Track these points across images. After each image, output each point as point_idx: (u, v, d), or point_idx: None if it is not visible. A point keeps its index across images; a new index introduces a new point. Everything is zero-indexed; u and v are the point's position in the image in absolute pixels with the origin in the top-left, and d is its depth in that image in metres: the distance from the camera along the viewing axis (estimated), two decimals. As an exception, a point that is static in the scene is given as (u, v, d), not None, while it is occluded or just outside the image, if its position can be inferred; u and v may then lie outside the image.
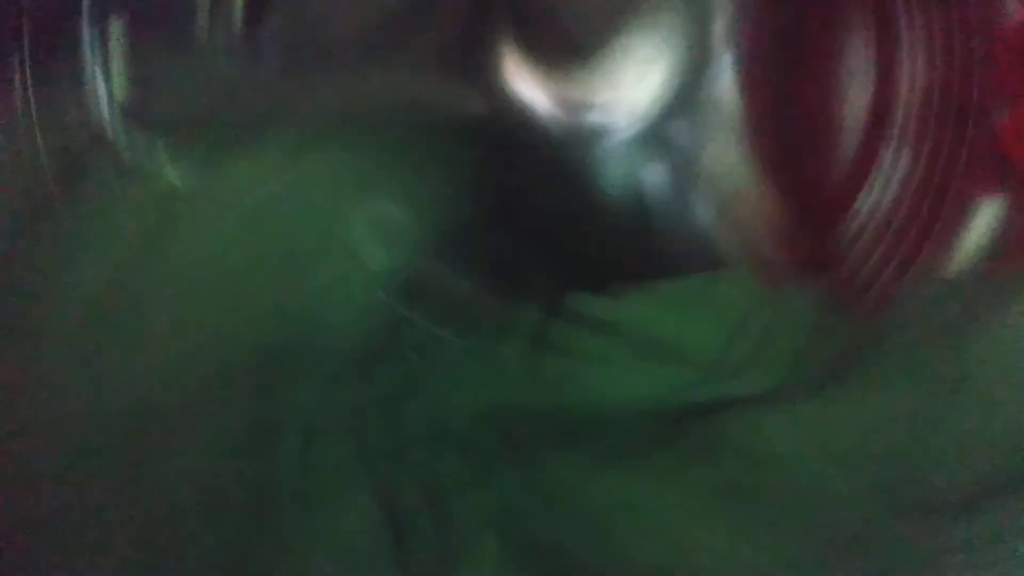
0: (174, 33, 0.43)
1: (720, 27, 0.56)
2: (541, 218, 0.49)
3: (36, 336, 0.28)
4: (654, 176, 0.50)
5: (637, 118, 0.51)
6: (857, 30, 0.45)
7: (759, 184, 0.47)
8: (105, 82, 0.38)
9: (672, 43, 0.56)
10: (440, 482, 0.28)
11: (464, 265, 0.42)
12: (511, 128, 0.57)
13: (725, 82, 0.56)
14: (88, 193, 0.33)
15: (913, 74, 0.42)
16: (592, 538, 0.28)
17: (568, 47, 0.56)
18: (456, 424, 0.31)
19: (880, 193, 0.43)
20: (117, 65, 0.39)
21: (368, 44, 0.53)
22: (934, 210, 0.39)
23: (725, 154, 0.48)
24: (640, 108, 0.56)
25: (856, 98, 0.46)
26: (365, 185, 0.39)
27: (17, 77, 0.36)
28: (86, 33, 0.39)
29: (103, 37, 0.39)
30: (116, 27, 0.39)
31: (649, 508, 0.28)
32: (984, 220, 0.36)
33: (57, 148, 0.35)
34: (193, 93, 0.41)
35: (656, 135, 0.50)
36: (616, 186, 0.50)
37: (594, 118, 0.50)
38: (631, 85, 0.57)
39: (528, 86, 0.57)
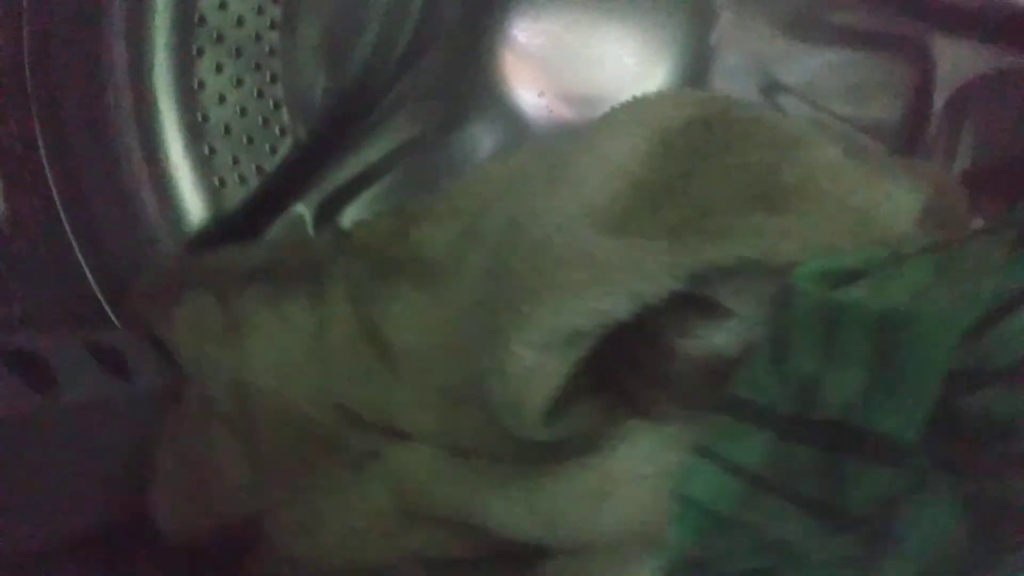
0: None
1: (723, 27, 0.57)
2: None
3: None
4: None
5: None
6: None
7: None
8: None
9: (675, 43, 0.57)
10: None
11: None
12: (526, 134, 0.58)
13: (727, 82, 0.57)
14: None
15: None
16: None
17: (568, 47, 0.57)
18: None
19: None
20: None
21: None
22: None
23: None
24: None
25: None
26: None
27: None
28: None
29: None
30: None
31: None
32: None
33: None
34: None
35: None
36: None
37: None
38: (642, 78, 0.57)
39: (537, 91, 0.58)
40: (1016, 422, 0.28)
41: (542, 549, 0.37)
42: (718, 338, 0.37)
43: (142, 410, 0.44)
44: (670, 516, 0.34)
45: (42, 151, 0.51)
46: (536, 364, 0.34)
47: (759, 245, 0.33)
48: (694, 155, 0.39)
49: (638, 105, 0.43)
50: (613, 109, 0.44)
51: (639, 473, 0.36)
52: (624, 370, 0.40)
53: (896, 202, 0.35)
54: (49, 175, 0.52)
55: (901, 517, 0.29)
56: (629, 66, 0.58)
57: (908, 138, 0.56)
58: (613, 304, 0.33)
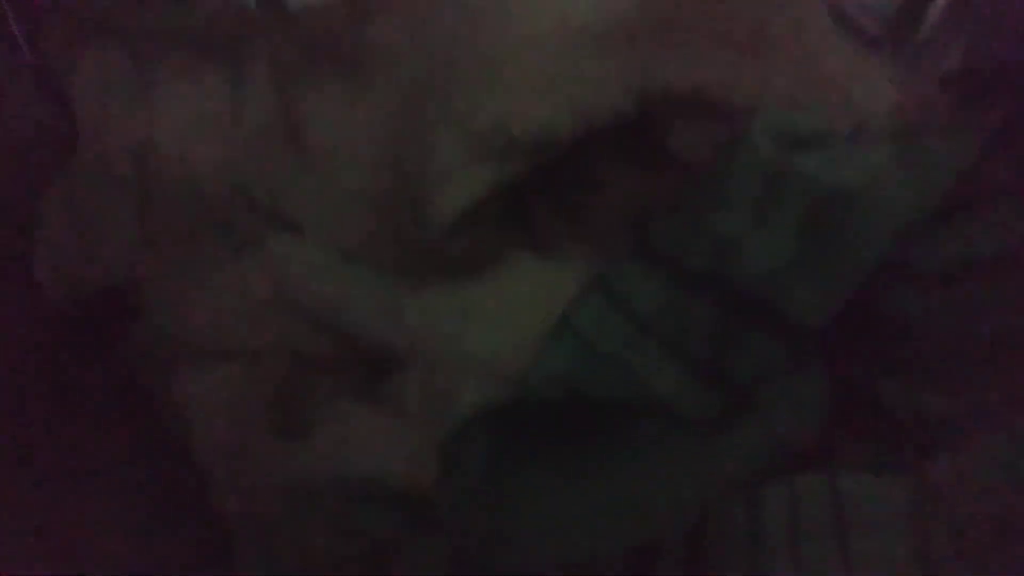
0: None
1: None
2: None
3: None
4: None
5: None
6: None
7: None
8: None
9: None
10: None
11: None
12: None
13: None
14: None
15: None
16: None
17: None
18: None
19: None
20: None
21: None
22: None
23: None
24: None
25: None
26: None
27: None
28: None
29: None
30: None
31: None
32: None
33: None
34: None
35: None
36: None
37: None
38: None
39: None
40: (909, 325, 0.27)
41: (398, 361, 0.36)
42: (650, 187, 0.35)
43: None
44: (549, 337, 0.33)
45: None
46: (461, 165, 0.31)
47: (719, 76, 0.31)
48: (686, 1, 0.36)
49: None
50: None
51: (507, 299, 0.35)
52: (539, 202, 0.38)
53: (872, 86, 0.33)
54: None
55: (770, 388, 0.29)
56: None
57: (903, 25, 0.52)
58: (553, 114, 0.30)
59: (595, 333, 0.32)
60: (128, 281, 0.41)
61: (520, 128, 0.31)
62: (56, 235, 0.42)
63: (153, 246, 0.41)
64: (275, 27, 0.45)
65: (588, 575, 0.30)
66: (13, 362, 0.43)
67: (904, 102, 0.34)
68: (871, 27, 0.52)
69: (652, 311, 0.31)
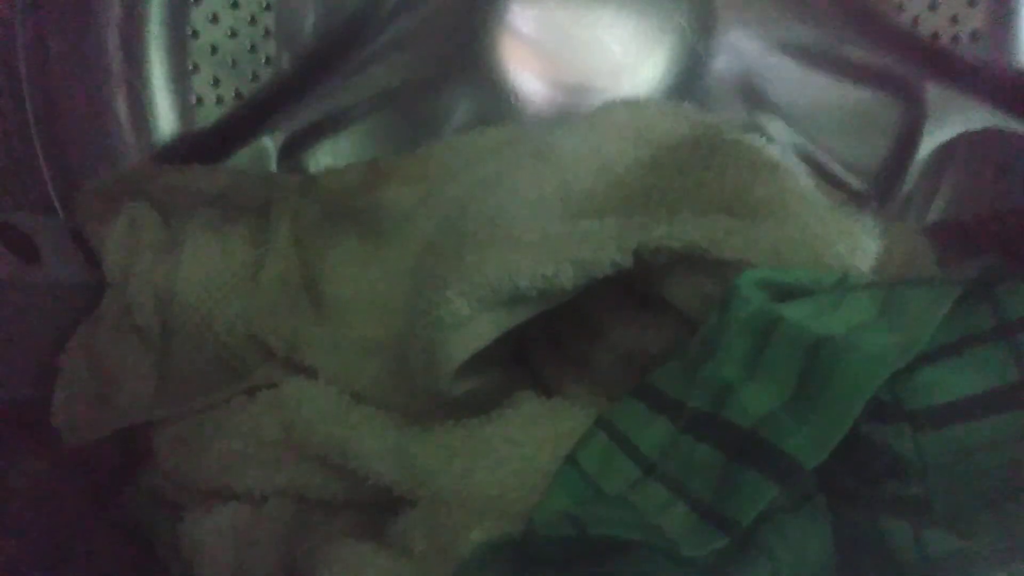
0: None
1: (720, 30, 0.56)
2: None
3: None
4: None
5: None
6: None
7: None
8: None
9: (667, 39, 0.56)
10: None
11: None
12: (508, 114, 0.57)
13: (728, 60, 0.56)
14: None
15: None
16: None
17: (559, 29, 0.56)
18: None
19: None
20: None
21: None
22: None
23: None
24: (643, 90, 0.56)
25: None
26: None
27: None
28: None
29: None
30: None
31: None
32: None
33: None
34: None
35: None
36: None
37: (595, 103, 0.49)
38: (633, 68, 0.57)
39: (526, 71, 0.57)
40: (907, 464, 0.28)
41: (405, 500, 0.36)
42: (650, 333, 0.36)
43: (46, 299, 0.42)
44: (555, 477, 0.33)
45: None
46: (468, 317, 0.33)
47: (708, 234, 0.33)
48: (677, 171, 0.39)
49: (639, 111, 0.43)
50: (613, 106, 0.44)
51: (514, 439, 0.36)
52: (542, 346, 0.40)
53: (855, 240, 0.35)
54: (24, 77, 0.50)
55: (772, 529, 0.29)
56: (616, 54, 0.57)
57: (887, 181, 0.55)
58: (556, 270, 0.33)
59: (600, 473, 0.33)
60: (141, 425, 0.42)
61: (526, 281, 0.33)
62: (76, 380, 0.44)
63: (169, 391, 0.42)
64: (297, 188, 0.48)
65: None
66: (20, 509, 0.43)
67: (888, 256, 0.35)
68: (855, 183, 0.55)
69: (655, 453, 0.32)
